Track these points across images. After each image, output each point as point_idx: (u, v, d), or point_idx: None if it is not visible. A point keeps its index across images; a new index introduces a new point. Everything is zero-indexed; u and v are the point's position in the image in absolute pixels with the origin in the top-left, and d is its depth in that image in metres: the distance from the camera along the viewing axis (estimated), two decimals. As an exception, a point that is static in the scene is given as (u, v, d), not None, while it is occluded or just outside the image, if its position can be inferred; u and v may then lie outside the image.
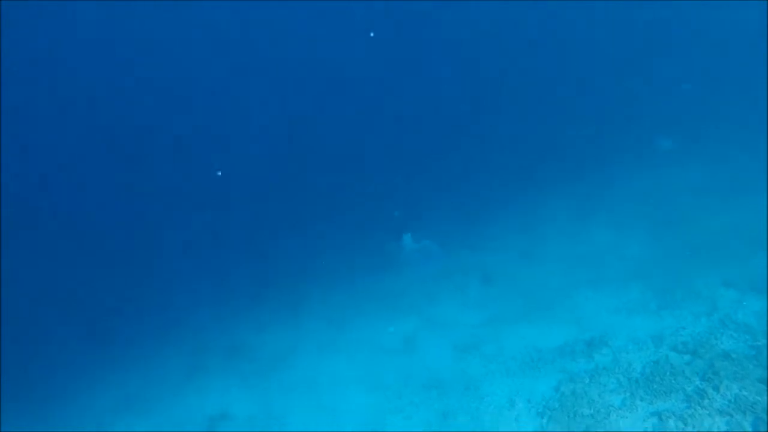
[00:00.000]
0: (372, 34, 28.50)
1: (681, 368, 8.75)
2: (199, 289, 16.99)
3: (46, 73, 26.13)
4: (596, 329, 10.43)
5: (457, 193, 17.68)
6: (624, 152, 16.94)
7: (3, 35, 20.33)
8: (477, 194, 17.39)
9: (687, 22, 25.30)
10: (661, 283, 11.25)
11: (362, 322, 13.30)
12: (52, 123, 26.43)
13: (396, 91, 28.34)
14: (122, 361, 15.14)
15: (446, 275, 14.03)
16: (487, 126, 22.18)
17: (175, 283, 17.90)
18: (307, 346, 13.08)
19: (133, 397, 13.62)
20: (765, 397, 7.79)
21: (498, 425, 8.91)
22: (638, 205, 14.27)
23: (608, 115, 19.84)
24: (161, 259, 19.37)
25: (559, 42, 27.76)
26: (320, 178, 22.56)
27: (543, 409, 8.88)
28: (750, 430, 7.43)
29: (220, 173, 23.38)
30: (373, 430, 9.59)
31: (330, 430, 9.89)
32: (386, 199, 18.95)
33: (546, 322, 11.05)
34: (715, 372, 8.43)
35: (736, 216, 12.31)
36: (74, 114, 26.57)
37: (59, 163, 24.92)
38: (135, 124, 26.77)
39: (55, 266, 19.96)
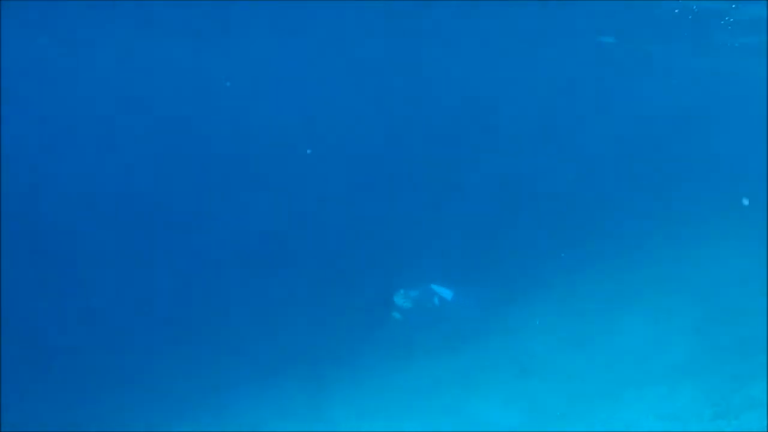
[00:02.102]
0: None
1: (749, 495, 8.08)
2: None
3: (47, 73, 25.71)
4: (648, 440, 9.77)
5: (490, 270, 16.92)
6: (666, 235, 16.45)
7: (3, 35, 19.73)
8: (511, 271, 16.67)
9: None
10: (713, 386, 10.60)
11: (387, 418, 12.55)
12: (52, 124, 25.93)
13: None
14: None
15: (479, 364, 13.37)
16: (520, 196, 21.43)
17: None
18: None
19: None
20: None
21: None
22: (682, 295, 13.67)
23: (647, 196, 19.40)
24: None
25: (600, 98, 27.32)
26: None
27: None
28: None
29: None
30: None
31: None
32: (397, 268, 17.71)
33: (592, 426, 10.37)
34: (789, 502, 7.75)
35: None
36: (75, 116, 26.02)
37: (58, 165, 24.15)
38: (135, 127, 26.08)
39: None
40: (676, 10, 15.64)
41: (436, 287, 13.91)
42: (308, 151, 24.47)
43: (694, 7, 15.30)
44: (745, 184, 18.93)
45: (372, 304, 14.64)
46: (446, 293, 13.94)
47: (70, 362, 16.18)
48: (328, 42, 23.78)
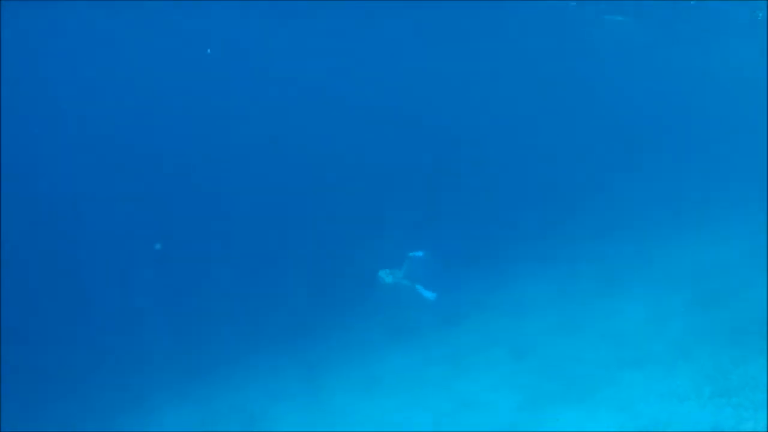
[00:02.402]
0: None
1: (750, 472, 7.86)
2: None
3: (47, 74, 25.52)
4: (647, 418, 9.56)
5: (480, 250, 16.72)
6: (663, 218, 16.29)
7: (3, 35, 19.69)
8: (507, 253, 16.48)
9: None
10: (711, 366, 10.40)
11: (381, 396, 12.36)
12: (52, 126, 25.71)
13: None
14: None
15: (471, 344, 13.17)
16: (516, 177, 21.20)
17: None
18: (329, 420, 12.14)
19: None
20: None
21: None
22: (677, 276, 13.45)
23: (644, 179, 19.22)
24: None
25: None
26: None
27: None
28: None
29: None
30: None
31: None
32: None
33: (590, 408, 10.17)
34: (791, 478, 7.54)
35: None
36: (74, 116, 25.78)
37: (58, 167, 23.89)
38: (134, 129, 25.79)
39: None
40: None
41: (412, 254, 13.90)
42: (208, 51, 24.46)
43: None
44: (742, 169, 18.77)
45: (366, 284, 14.51)
46: (419, 253, 13.90)
47: (68, 361, 16.11)
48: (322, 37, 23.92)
